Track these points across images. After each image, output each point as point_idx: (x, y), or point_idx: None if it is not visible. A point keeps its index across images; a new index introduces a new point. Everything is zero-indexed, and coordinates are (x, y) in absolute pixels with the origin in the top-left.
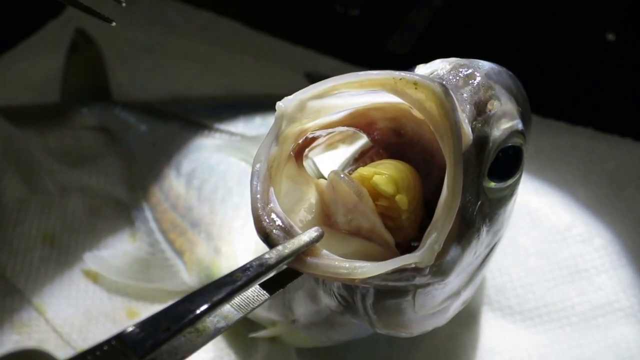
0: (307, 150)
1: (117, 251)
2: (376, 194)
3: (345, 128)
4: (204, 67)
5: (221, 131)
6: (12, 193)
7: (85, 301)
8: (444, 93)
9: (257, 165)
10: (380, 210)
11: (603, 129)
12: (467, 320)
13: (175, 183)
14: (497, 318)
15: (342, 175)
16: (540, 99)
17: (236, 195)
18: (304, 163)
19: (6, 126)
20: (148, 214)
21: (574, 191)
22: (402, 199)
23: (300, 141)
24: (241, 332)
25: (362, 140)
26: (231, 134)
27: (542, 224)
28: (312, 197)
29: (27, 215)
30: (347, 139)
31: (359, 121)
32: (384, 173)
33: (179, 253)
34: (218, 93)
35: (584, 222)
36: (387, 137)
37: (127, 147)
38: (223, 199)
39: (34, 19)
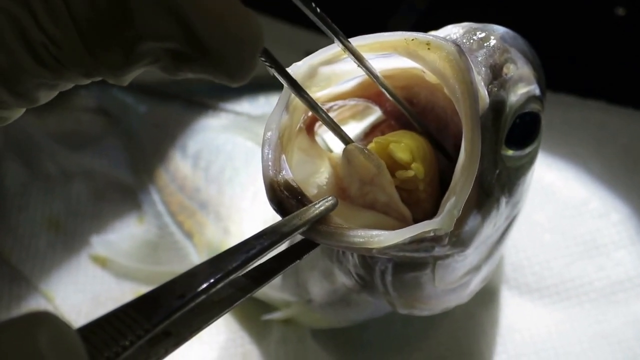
0: (317, 124)
1: (124, 234)
2: (392, 164)
3: (355, 101)
4: None
5: (226, 111)
6: (13, 178)
7: (93, 287)
8: (458, 52)
9: (268, 134)
10: (396, 183)
11: (615, 102)
12: (484, 299)
13: (181, 164)
14: (514, 296)
15: (360, 147)
16: (550, 74)
17: (243, 175)
18: (317, 140)
19: None
20: (155, 197)
21: (588, 166)
22: (418, 168)
23: (310, 113)
24: (254, 314)
25: (373, 116)
26: (236, 113)
27: (557, 199)
28: (325, 171)
29: (30, 201)
30: (358, 115)
31: (370, 91)
32: (400, 141)
33: (189, 235)
34: None
35: (600, 196)
36: (399, 108)
37: (127, 129)
38: (230, 178)
39: None
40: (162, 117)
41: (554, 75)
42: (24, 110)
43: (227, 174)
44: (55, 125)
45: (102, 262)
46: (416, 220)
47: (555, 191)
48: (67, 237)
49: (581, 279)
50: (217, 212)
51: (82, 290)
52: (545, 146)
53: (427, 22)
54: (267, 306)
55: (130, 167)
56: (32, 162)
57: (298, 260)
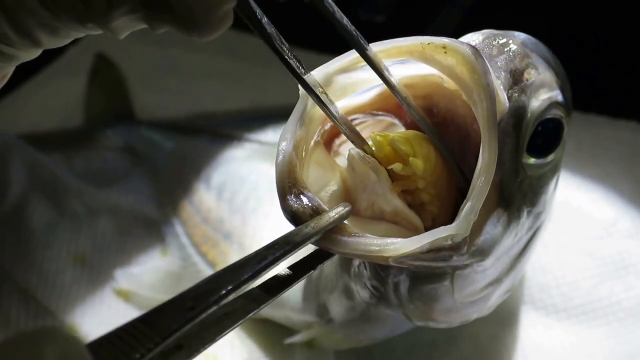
0: (337, 141)
1: (148, 267)
2: (393, 158)
3: (373, 117)
4: (228, 83)
5: (250, 141)
6: (40, 217)
7: (117, 320)
8: (474, 55)
9: (283, 144)
10: (398, 187)
11: None
12: (509, 320)
13: (205, 196)
14: (540, 317)
15: (359, 152)
16: (579, 94)
17: (267, 204)
18: (337, 160)
19: (30, 151)
20: (179, 229)
21: (617, 186)
22: (415, 162)
23: (327, 127)
24: (277, 339)
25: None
26: (260, 142)
27: (585, 220)
28: (335, 184)
29: (56, 238)
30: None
31: (389, 103)
32: (401, 135)
33: (212, 264)
34: (244, 107)
35: (630, 217)
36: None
37: (154, 165)
38: (254, 209)
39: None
40: (188, 151)
41: (584, 95)
42: (34, 53)
43: (251, 204)
44: (82, 165)
45: (125, 296)
46: (426, 228)
47: (585, 212)
48: (92, 272)
49: (609, 299)
50: (241, 242)
51: (106, 324)
52: (575, 166)
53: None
54: (289, 330)
55: (155, 201)
56: (59, 201)
57: (312, 271)
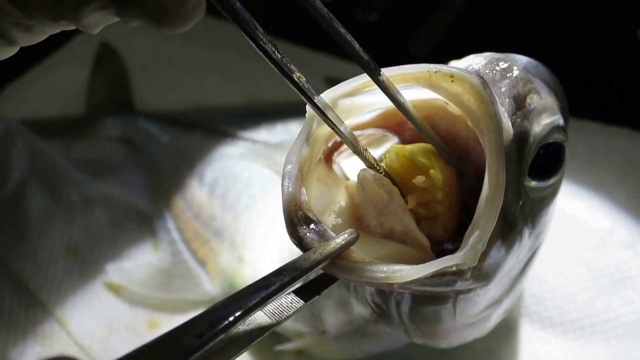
0: (335, 153)
1: (139, 262)
2: (409, 170)
3: (373, 130)
4: (225, 77)
5: (244, 139)
6: (37, 205)
7: (106, 313)
8: (482, 85)
9: (289, 167)
10: (414, 200)
11: None
12: (504, 332)
13: (198, 192)
14: (536, 330)
15: (372, 174)
16: (573, 100)
17: (259, 202)
18: (334, 168)
19: (31, 138)
20: (171, 224)
21: (612, 194)
22: (436, 174)
23: (330, 144)
24: (266, 345)
25: (390, 143)
26: (254, 141)
27: (580, 229)
28: (341, 200)
29: (51, 227)
30: (374, 143)
31: (390, 122)
32: (419, 148)
33: (202, 263)
34: (240, 102)
35: (625, 226)
36: (419, 138)
37: (149, 157)
38: (246, 206)
39: (60, 35)
40: (183, 146)
41: (577, 102)
42: (10, 52)
43: (244, 201)
44: (80, 153)
45: (115, 290)
46: (432, 238)
47: (579, 221)
48: (84, 264)
49: (607, 314)
50: (232, 240)
51: (96, 317)
52: (569, 174)
53: (448, 43)
54: (280, 336)
55: (149, 195)
56: (55, 190)
57: (317, 296)
